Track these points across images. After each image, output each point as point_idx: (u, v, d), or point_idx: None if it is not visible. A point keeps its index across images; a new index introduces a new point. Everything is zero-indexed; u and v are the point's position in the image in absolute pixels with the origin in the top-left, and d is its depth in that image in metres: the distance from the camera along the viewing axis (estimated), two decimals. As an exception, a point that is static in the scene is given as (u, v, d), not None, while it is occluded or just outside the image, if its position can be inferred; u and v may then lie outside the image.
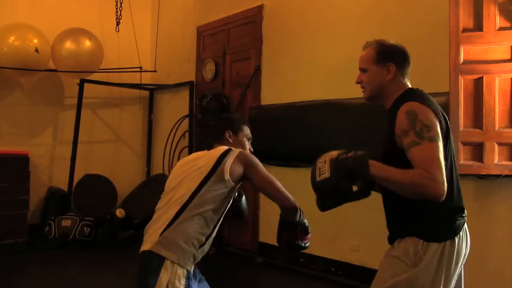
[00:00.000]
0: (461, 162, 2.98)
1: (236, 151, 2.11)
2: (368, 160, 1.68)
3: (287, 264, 4.55)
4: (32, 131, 5.94)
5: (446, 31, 3.07)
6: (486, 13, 2.96)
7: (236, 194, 2.30)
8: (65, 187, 5.76)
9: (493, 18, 2.95)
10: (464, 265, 1.84)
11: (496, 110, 2.94)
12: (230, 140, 2.27)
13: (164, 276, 1.90)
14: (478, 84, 2.99)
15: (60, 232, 5.24)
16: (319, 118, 4.13)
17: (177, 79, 5.98)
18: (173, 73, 6.13)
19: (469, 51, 3.01)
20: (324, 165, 1.73)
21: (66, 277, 4.27)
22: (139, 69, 6.08)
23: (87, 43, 5.68)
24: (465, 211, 1.81)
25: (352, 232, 4.02)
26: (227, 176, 2.03)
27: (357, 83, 1.95)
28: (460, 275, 1.83)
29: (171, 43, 6.29)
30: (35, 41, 5.43)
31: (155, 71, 6.15)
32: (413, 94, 1.83)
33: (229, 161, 2.04)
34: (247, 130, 2.35)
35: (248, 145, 2.34)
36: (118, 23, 5.64)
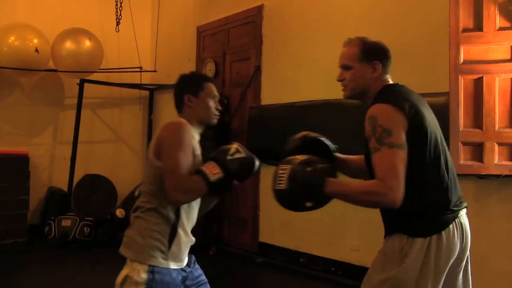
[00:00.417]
0: (461, 162, 2.98)
1: (167, 124, 1.91)
2: (326, 177, 1.72)
3: (287, 264, 4.55)
4: (32, 131, 5.94)
5: (446, 31, 3.07)
6: (486, 13, 2.96)
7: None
8: (65, 187, 5.76)
9: (493, 18, 2.95)
10: (470, 263, 1.84)
11: (496, 110, 2.94)
12: (191, 105, 1.99)
13: (122, 273, 1.86)
14: (478, 84, 2.99)
15: (60, 232, 5.24)
16: (319, 118, 4.13)
17: (177, 79, 5.98)
18: (173, 73, 6.05)
19: (469, 51, 3.01)
20: (283, 174, 1.77)
21: (66, 277, 4.27)
22: (139, 69, 6.08)
23: (87, 43, 5.68)
24: (462, 205, 1.79)
25: (352, 232, 4.02)
26: (150, 155, 1.89)
27: (339, 80, 1.90)
28: (466, 274, 1.82)
29: (171, 43, 6.29)
30: (35, 41, 5.43)
31: (155, 71, 6.14)
32: (386, 93, 1.79)
33: (155, 136, 1.89)
34: (210, 87, 2.03)
35: (213, 104, 2.02)
36: (118, 23, 5.64)
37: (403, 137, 1.65)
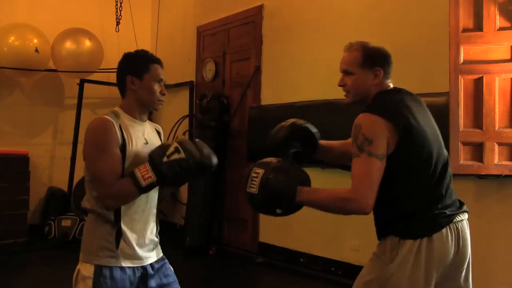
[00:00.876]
0: (461, 162, 2.97)
1: (88, 125, 1.78)
2: (297, 186, 1.74)
3: (287, 264, 4.55)
4: (32, 131, 5.94)
5: (446, 31, 3.07)
6: (486, 13, 2.96)
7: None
8: (65, 187, 5.76)
9: (493, 18, 2.95)
10: (471, 266, 1.84)
11: (496, 110, 2.94)
12: (134, 88, 1.85)
13: (73, 275, 1.82)
14: (478, 84, 2.99)
15: (60, 232, 5.24)
16: (319, 118, 4.10)
17: (177, 79, 5.98)
18: (173, 73, 6.12)
19: (469, 51, 3.01)
20: (255, 178, 1.77)
21: (66, 277, 4.23)
22: (139, 69, 6.07)
23: (87, 43, 5.69)
24: (460, 211, 1.79)
25: (352, 232, 4.02)
26: (83, 155, 1.79)
27: (340, 85, 1.91)
28: (466, 282, 1.82)
29: (171, 43, 6.29)
30: (35, 41, 5.43)
31: (155, 71, 6.14)
32: (377, 101, 1.81)
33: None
34: (156, 70, 1.88)
35: (158, 88, 1.89)
36: (118, 23, 5.64)
37: (383, 148, 1.67)
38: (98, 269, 1.75)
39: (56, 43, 5.63)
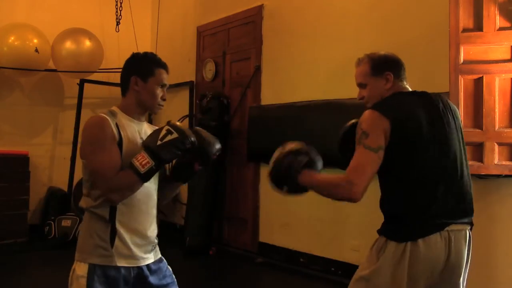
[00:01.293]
0: (461, 162, 2.97)
1: (85, 124, 1.79)
2: (302, 168, 1.85)
3: (287, 264, 4.55)
4: (32, 131, 5.94)
5: (446, 31, 3.07)
6: (486, 13, 2.96)
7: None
8: (65, 187, 5.76)
9: (493, 18, 2.95)
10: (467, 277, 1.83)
11: (496, 110, 2.94)
12: (137, 89, 1.84)
13: (69, 274, 1.83)
14: (478, 84, 2.99)
15: (60, 232, 5.24)
16: (319, 118, 4.12)
17: (177, 79, 5.98)
18: (173, 73, 6.08)
19: (469, 51, 3.01)
20: (275, 155, 1.94)
21: (66, 277, 4.24)
22: (139, 69, 6.08)
23: (87, 43, 5.69)
24: (458, 221, 1.80)
25: (352, 232, 4.02)
26: (81, 156, 1.81)
27: (359, 99, 2.00)
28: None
29: (171, 43, 6.29)
30: (35, 41, 5.43)
31: (155, 71, 6.14)
32: (383, 100, 1.87)
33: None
34: (161, 74, 1.88)
35: (161, 93, 1.89)
36: (118, 23, 5.64)
37: (380, 141, 1.73)
38: (92, 268, 1.76)
39: (56, 43, 5.63)
